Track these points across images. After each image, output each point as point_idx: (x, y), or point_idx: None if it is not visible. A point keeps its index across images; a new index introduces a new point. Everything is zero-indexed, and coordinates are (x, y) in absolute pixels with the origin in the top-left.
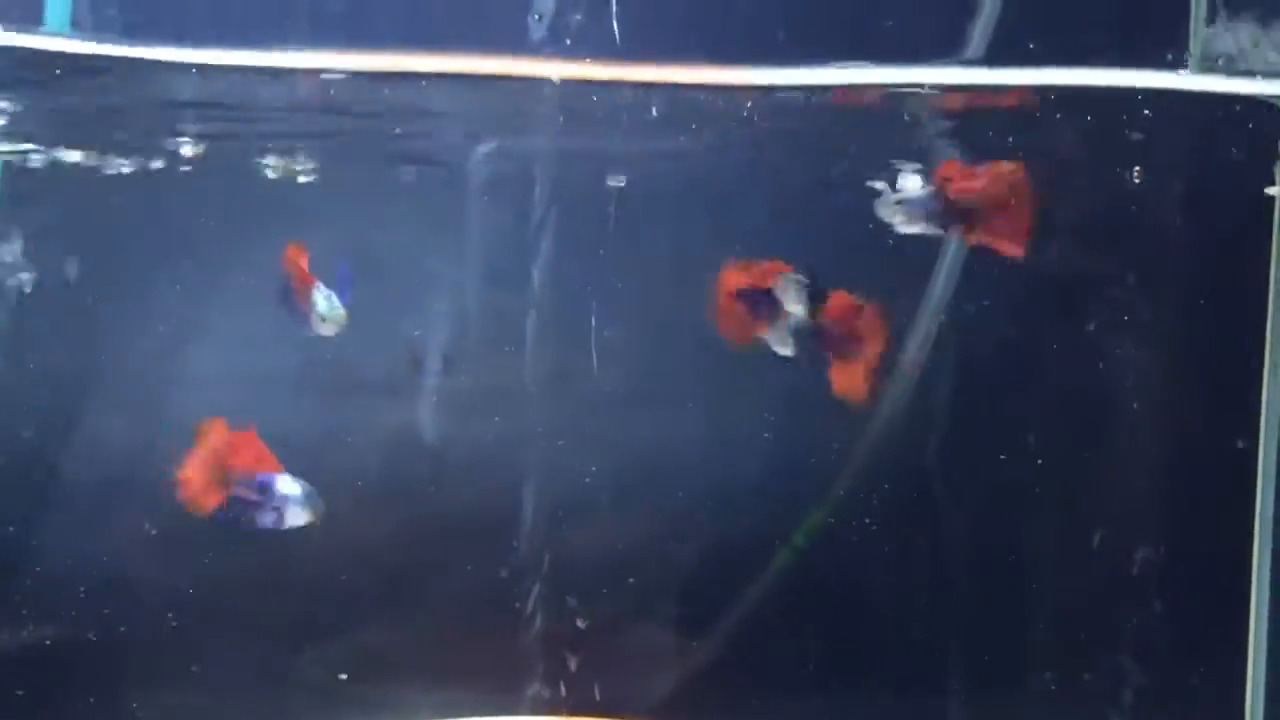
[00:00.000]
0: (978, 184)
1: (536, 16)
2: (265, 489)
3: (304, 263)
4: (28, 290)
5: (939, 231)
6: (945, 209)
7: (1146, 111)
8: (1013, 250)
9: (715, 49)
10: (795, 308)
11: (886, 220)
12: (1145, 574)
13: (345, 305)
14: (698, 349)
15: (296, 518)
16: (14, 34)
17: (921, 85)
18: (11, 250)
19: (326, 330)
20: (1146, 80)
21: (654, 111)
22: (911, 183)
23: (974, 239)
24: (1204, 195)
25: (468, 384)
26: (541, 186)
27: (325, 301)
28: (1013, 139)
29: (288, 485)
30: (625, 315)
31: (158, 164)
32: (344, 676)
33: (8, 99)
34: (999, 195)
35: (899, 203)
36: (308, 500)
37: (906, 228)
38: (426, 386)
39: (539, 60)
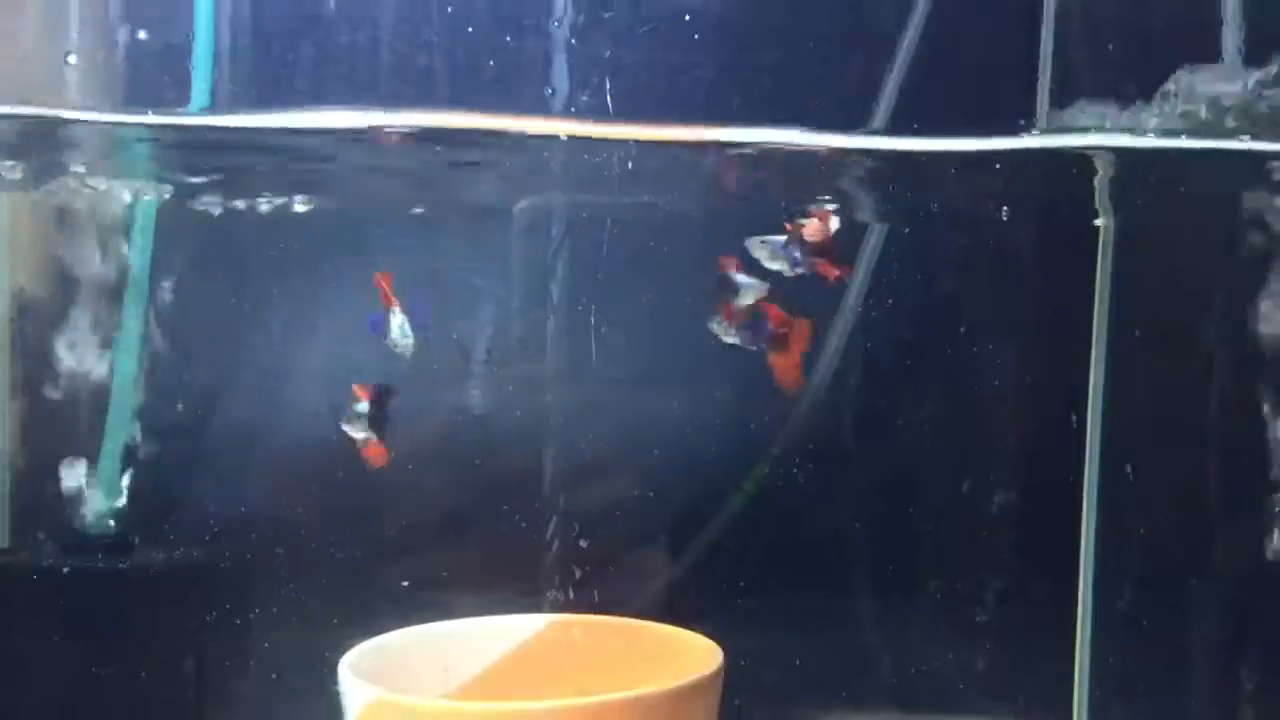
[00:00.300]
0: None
1: (550, 90)
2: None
3: (387, 285)
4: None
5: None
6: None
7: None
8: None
9: (682, 113)
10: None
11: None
12: (1002, 511)
13: (416, 331)
14: (675, 345)
15: None
16: (164, 115)
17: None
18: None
19: (399, 350)
20: (1003, 144)
21: (630, 165)
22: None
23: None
24: (1048, 227)
25: (504, 372)
26: (557, 223)
27: (399, 328)
28: (910, 193)
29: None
30: (620, 319)
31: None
32: (405, 584)
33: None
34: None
35: (763, 243)
36: None
37: (768, 263)
38: (475, 374)
39: (553, 120)
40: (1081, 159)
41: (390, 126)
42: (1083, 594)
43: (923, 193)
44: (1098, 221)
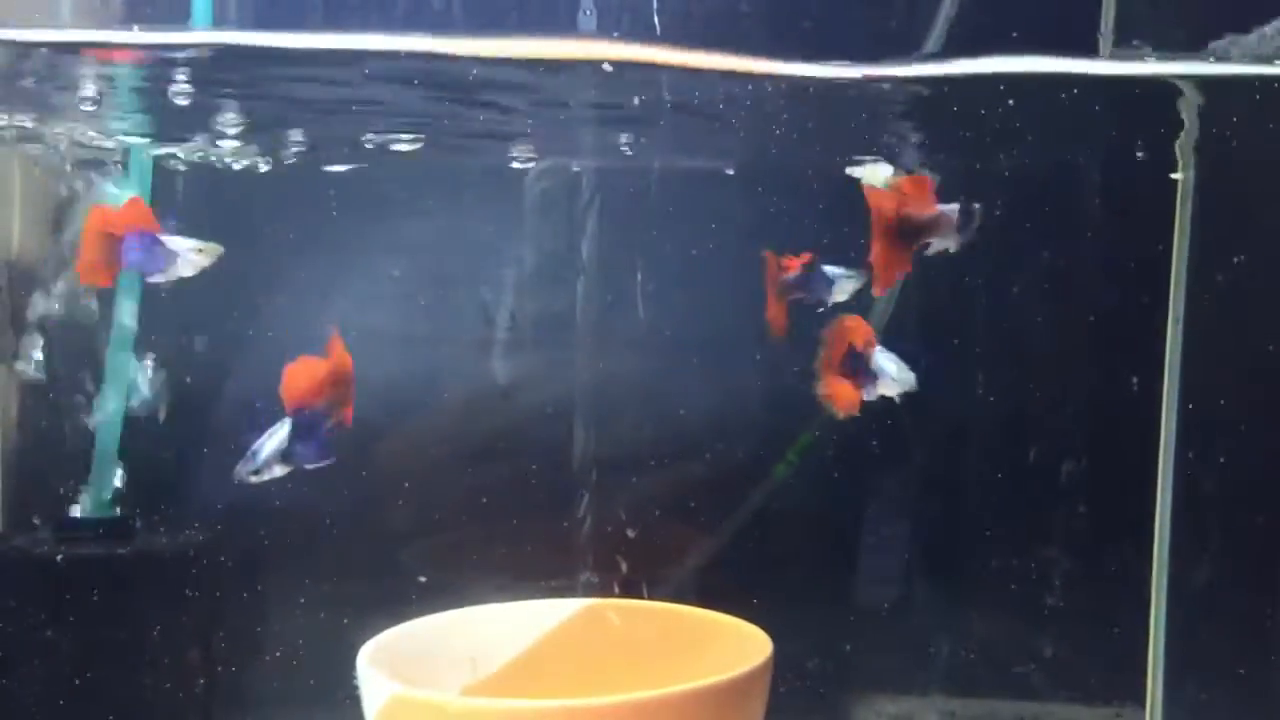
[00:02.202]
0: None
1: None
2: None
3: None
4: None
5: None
6: None
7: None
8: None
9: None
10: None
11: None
12: (1070, 482)
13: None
14: (720, 312)
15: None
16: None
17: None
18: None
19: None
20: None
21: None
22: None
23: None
24: (1116, 173)
25: (532, 336)
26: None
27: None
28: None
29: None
30: (665, 279)
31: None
32: (423, 578)
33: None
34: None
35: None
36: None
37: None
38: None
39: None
40: (1162, 89)
41: (400, 50)
42: (1157, 570)
43: (981, 137)
44: (1175, 175)
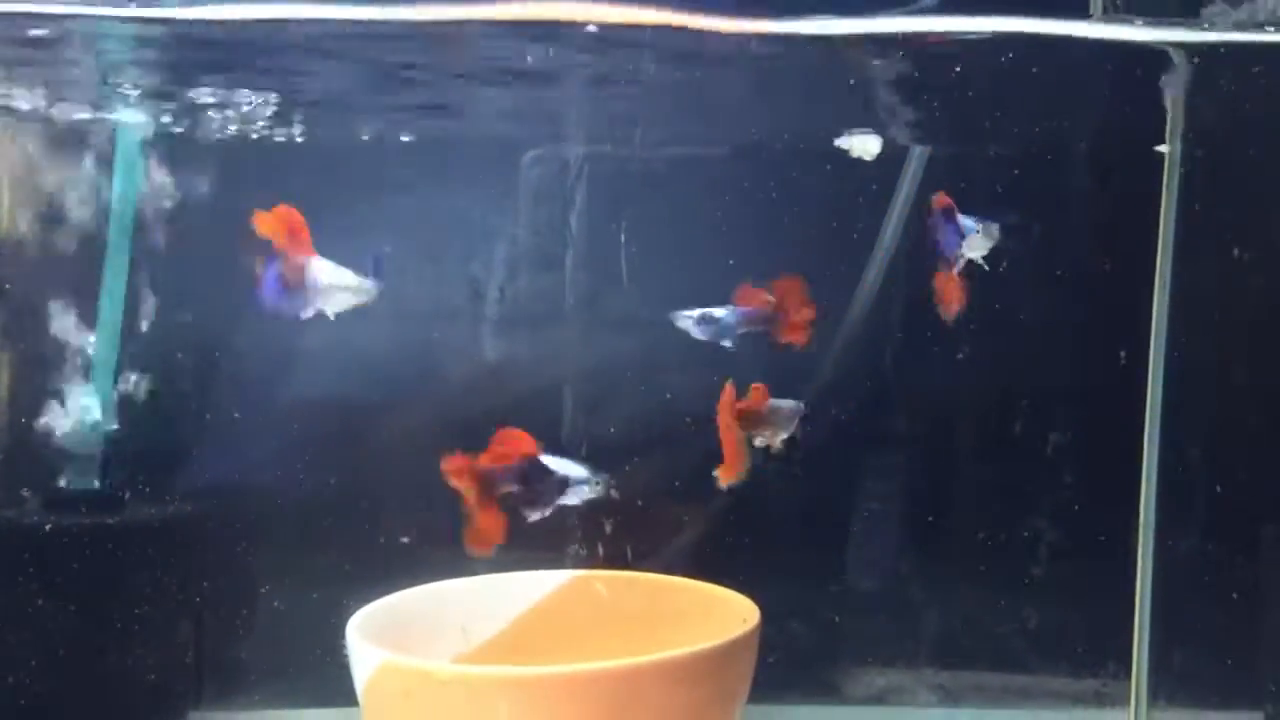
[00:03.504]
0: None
1: None
2: None
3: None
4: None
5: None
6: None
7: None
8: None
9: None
10: None
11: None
12: (1057, 454)
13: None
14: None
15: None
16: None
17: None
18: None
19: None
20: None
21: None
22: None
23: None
24: (1103, 143)
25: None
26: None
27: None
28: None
29: None
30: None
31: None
32: (406, 540)
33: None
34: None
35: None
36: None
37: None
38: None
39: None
40: (1152, 57)
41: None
42: (1143, 542)
43: (966, 105)
44: (1161, 147)
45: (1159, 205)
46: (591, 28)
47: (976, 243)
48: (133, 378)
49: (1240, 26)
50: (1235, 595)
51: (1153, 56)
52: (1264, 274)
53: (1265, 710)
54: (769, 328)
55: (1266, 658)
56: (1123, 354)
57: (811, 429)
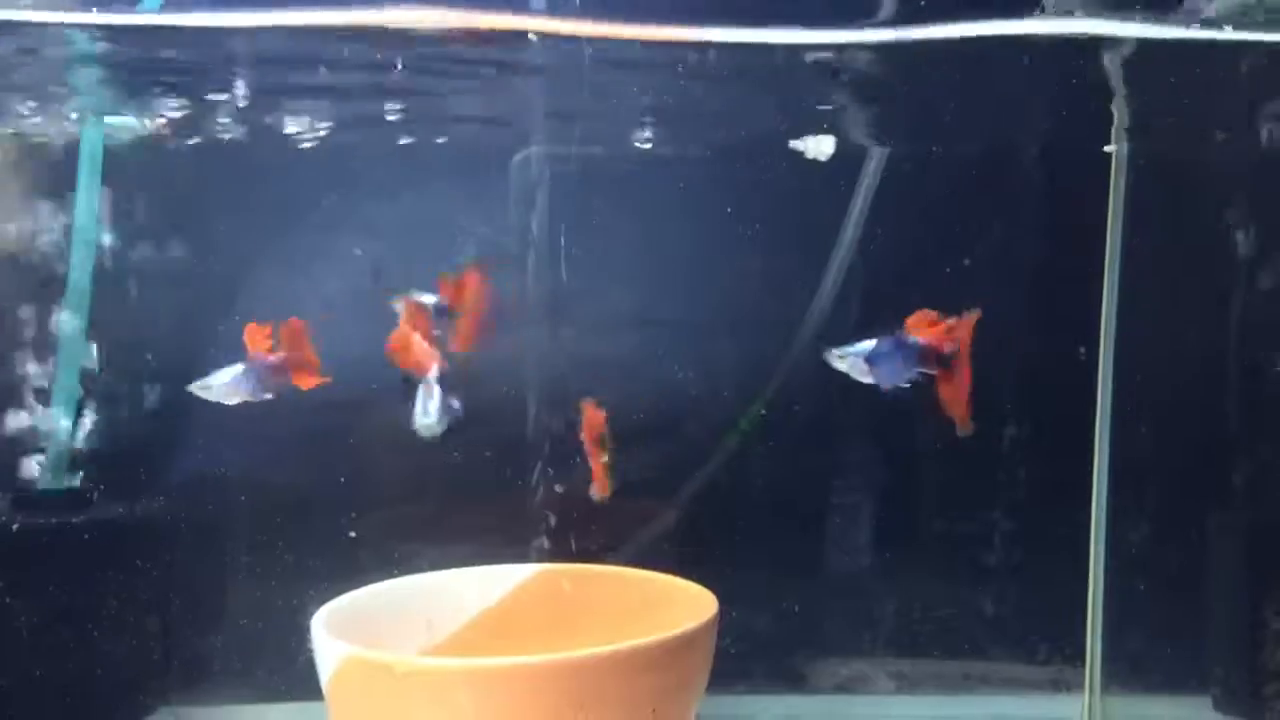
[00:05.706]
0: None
1: None
2: None
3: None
4: None
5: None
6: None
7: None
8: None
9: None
10: None
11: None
12: (1011, 447)
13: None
14: (666, 280)
15: None
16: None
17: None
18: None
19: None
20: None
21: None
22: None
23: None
24: (1056, 146)
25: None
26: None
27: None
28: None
29: None
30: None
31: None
32: (352, 534)
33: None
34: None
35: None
36: None
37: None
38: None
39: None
40: (1094, 45)
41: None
42: (1095, 531)
43: (925, 107)
44: (1108, 148)
45: (1108, 201)
46: (532, 37)
47: None
48: (99, 373)
49: (1208, 24)
50: (1184, 584)
51: (1098, 54)
52: (1209, 270)
53: (1213, 694)
54: None
55: (1214, 643)
56: (1082, 350)
57: (775, 424)
